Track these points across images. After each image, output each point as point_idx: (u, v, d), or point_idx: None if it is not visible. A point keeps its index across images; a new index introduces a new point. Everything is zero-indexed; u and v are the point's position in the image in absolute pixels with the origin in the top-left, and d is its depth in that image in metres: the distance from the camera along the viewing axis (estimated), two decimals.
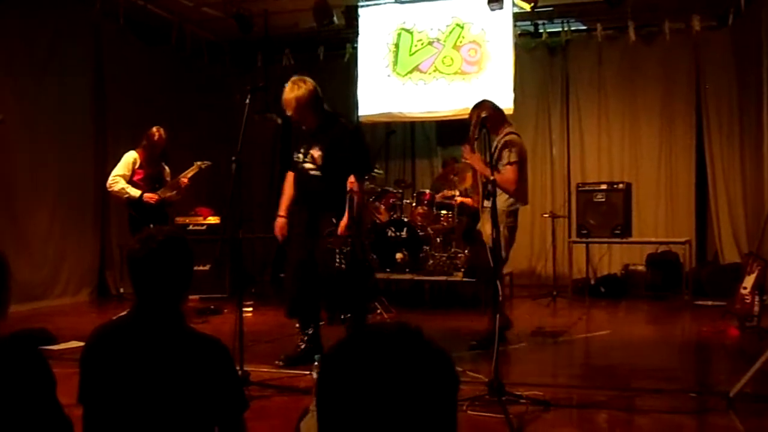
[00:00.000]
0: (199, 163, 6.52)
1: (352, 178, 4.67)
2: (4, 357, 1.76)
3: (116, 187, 6.21)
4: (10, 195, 7.23)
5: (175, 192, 6.40)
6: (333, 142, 4.78)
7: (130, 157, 6.30)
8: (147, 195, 6.20)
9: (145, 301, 2.04)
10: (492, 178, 4.41)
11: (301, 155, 4.87)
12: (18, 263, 6.84)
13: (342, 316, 5.07)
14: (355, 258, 4.74)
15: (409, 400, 1.02)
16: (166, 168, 6.51)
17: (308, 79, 4.81)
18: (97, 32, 8.38)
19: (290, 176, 5.01)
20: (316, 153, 4.78)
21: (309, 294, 4.81)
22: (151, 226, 5.80)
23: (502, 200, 5.00)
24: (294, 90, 4.71)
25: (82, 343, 2.13)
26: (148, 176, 6.33)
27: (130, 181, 6.23)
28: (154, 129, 6.33)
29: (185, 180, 6.41)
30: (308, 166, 4.81)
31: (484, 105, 5.21)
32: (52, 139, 7.68)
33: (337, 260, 4.67)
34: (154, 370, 1.94)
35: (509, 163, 5.06)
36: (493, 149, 4.96)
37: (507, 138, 5.14)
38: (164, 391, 1.92)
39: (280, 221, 4.91)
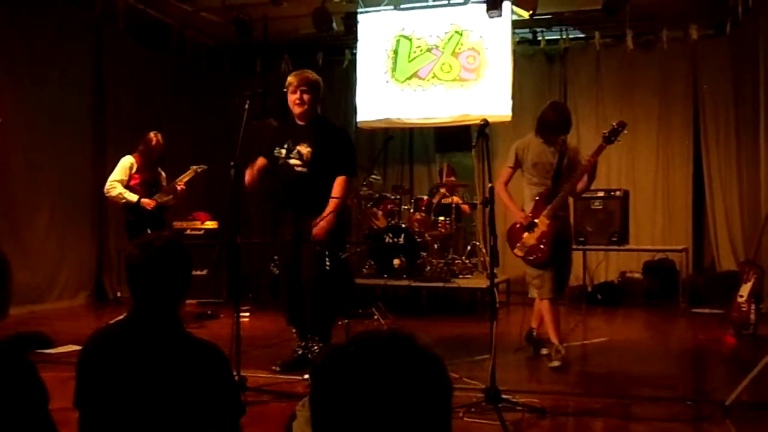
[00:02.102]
0: (195, 167, 6.52)
1: (339, 180, 4.68)
2: None
3: (113, 193, 6.20)
4: (9, 198, 7.23)
5: (171, 196, 6.40)
6: (323, 140, 4.74)
7: (127, 161, 6.30)
8: (144, 200, 6.20)
9: (143, 305, 2.04)
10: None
11: (284, 150, 4.76)
12: (16, 266, 6.74)
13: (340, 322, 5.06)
14: (338, 261, 4.73)
15: (402, 406, 1.02)
16: (162, 173, 6.51)
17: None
18: (97, 36, 8.40)
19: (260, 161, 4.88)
20: (304, 149, 4.71)
21: (302, 302, 4.77)
22: (149, 230, 5.84)
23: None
24: (305, 72, 4.81)
25: (79, 347, 2.13)
26: (144, 181, 6.33)
27: (127, 186, 6.23)
28: (152, 134, 6.33)
29: (181, 184, 6.41)
30: (294, 162, 4.73)
31: (562, 104, 5.35)
32: (51, 142, 7.68)
33: (327, 262, 4.64)
34: (151, 374, 1.94)
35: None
36: (561, 155, 5.08)
37: (573, 145, 5.30)
38: (161, 396, 1.93)
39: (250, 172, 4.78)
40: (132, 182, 6.26)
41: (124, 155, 6.39)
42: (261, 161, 4.84)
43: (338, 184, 4.69)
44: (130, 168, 6.28)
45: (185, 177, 6.44)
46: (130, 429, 1.92)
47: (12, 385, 1.71)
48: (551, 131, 5.09)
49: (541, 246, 4.97)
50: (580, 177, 4.98)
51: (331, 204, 4.62)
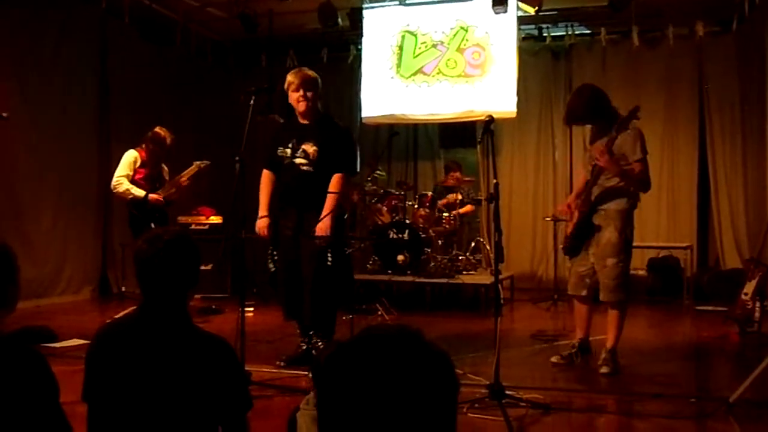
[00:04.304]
0: (198, 163, 6.51)
1: (336, 176, 4.69)
2: (5, 356, 1.76)
3: (121, 189, 6.20)
4: (14, 192, 7.26)
5: (174, 190, 6.40)
6: (328, 139, 4.76)
7: (131, 156, 6.28)
8: (152, 196, 6.20)
9: (152, 299, 2.05)
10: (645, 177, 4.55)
11: (289, 150, 4.78)
12: (21, 260, 6.74)
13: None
14: (341, 257, 4.76)
15: (409, 401, 1.02)
16: (165, 167, 6.50)
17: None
18: (102, 31, 8.41)
19: (267, 174, 4.93)
20: (310, 148, 4.73)
21: (300, 297, 4.78)
22: (153, 225, 5.85)
23: (623, 200, 4.72)
24: (303, 70, 4.83)
25: (83, 341, 2.15)
26: (149, 175, 6.32)
27: (132, 180, 6.23)
28: (164, 133, 6.27)
29: (185, 180, 6.41)
30: (300, 161, 4.75)
31: (579, 96, 4.80)
32: (56, 136, 7.70)
33: (329, 258, 4.66)
34: (160, 368, 1.95)
35: (639, 160, 4.63)
36: (607, 142, 4.58)
37: (630, 129, 4.66)
38: (170, 389, 1.94)
39: (264, 221, 4.83)
40: (137, 176, 6.26)
41: (128, 149, 6.39)
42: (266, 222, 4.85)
43: (335, 182, 4.71)
44: (135, 162, 6.27)
45: (189, 172, 6.44)
46: (138, 422, 1.93)
47: (24, 378, 1.72)
48: (573, 119, 4.87)
49: (566, 236, 4.97)
50: (596, 177, 4.64)
51: (329, 203, 4.64)
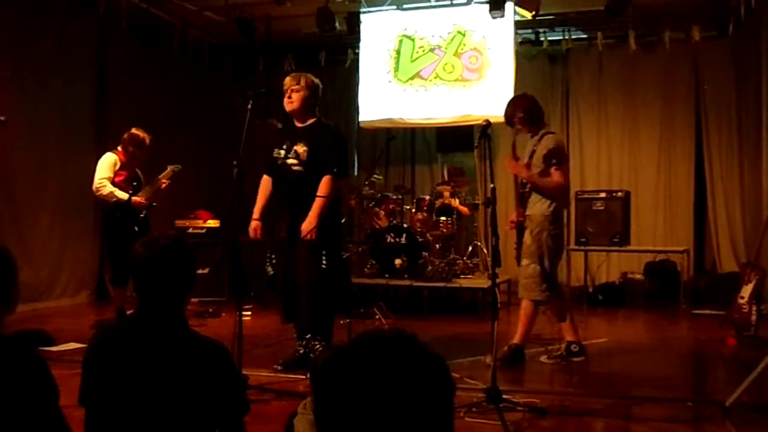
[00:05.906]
0: (172, 166, 6.42)
1: (324, 179, 4.71)
2: (6, 359, 1.76)
3: (105, 191, 6.11)
4: (12, 196, 7.24)
5: (154, 191, 6.34)
6: (318, 140, 4.82)
7: (111, 158, 6.21)
8: (135, 198, 6.14)
9: (148, 303, 2.05)
10: (558, 183, 4.80)
11: (282, 151, 4.87)
12: (18, 264, 6.77)
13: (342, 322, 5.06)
14: (336, 259, 4.78)
15: (405, 405, 1.02)
16: (138, 169, 6.46)
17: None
18: (100, 35, 8.40)
19: (266, 179, 5.02)
20: (300, 149, 4.80)
21: (297, 300, 4.79)
22: (136, 228, 5.81)
23: (545, 205, 4.93)
24: (300, 75, 4.92)
25: (80, 345, 2.15)
26: (128, 178, 6.26)
27: (112, 183, 6.16)
28: (142, 134, 6.22)
29: (164, 183, 6.36)
30: (291, 161, 4.82)
31: (522, 99, 5.14)
32: (53, 140, 7.69)
33: (323, 261, 4.67)
34: (157, 372, 1.95)
35: (554, 165, 4.89)
36: (530, 150, 4.96)
37: (548, 138, 5.00)
38: (166, 393, 1.94)
39: (254, 224, 4.92)
40: (117, 179, 6.19)
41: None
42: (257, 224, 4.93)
43: (323, 184, 4.73)
44: (114, 164, 6.20)
45: (165, 176, 6.38)
46: (135, 426, 1.93)
47: (25, 381, 1.73)
48: (511, 118, 5.12)
49: (515, 248, 5.21)
50: (522, 185, 5.04)
51: (316, 206, 4.66)
